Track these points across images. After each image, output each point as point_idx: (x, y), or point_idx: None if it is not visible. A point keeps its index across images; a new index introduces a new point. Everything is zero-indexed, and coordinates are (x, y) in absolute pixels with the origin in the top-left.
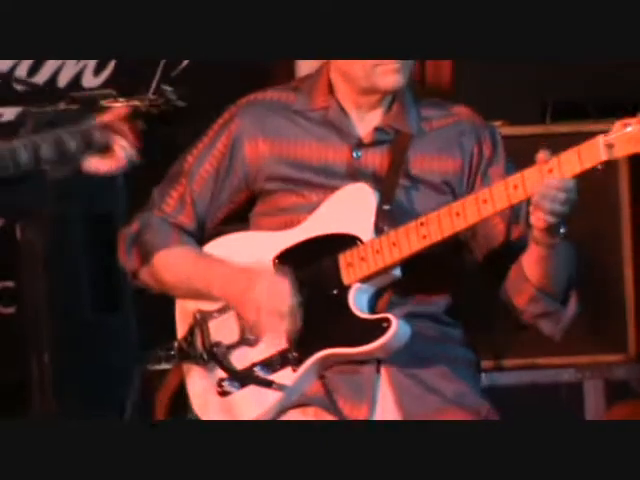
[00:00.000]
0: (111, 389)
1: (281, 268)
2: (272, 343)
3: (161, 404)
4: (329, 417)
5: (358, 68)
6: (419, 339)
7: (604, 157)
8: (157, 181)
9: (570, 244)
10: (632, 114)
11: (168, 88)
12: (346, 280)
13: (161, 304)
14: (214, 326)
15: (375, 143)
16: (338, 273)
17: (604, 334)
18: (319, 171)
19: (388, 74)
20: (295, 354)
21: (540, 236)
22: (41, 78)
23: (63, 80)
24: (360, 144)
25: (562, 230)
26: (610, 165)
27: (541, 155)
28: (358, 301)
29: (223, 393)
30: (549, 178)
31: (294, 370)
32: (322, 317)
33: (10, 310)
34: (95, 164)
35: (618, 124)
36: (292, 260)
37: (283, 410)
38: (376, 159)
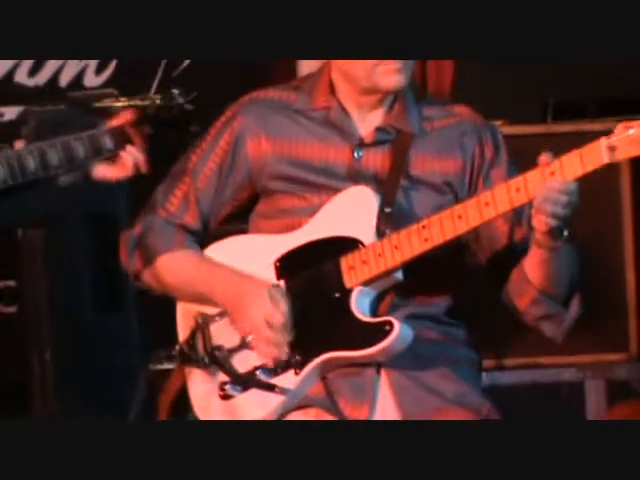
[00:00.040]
0: (112, 389)
1: (278, 275)
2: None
3: (163, 407)
4: (330, 418)
5: (359, 68)
6: (420, 340)
7: (606, 160)
8: (158, 180)
9: (572, 246)
10: (633, 113)
11: (176, 91)
12: (348, 283)
13: (162, 305)
14: (216, 329)
15: (376, 143)
16: (340, 276)
17: (605, 334)
18: (320, 171)
19: (389, 74)
20: (298, 357)
21: (542, 239)
22: (43, 77)
23: (65, 79)
24: (361, 144)
25: (565, 233)
26: (612, 167)
27: (543, 158)
28: (360, 304)
29: (225, 397)
30: (551, 181)
31: (296, 373)
32: (324, 320)
33: (11, 309)
34: (103, 171)
35: (620, 127)
36: (294, 263)
37: (285, 412)
38: (377, 160)
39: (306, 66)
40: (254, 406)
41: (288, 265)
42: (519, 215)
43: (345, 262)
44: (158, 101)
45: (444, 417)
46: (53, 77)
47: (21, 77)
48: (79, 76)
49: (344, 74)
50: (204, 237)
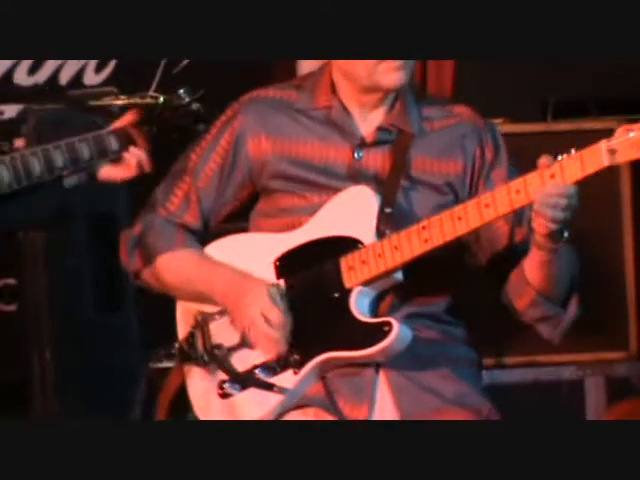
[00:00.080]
0: (113, 389)
1: (278, 274)
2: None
3: (162, 406)
4: (329, 418)
5: (360, 67)
6: (419, 340)
7: (606, 162)
8: (158, 180)
9: (572, 247)
10: (632, 113)
11: (181, 90)
12: (347, 283)
13: (162, 303)
14: (215, 328)
15: (377, 143)
16: (339, 276)
17: (605, 331)
18: (320, 171)
19: (390, 72)
20: (296, 357)
21: (542, 241)
22: (42, 76)
23: (64, 78)
24: (362, 144)
25: (565, 235)
26: (612, 169)
27: (543, 160)
28: (359, 304)
29: (224, 395)
30: (551, 183)
31: (295, 373)
32: (323, 320)
33: (11, 308)
34: (108, 172)
35: (621, 129)
36: (293, 262)
37: (284, 411)
38: (377, 160)
39: (306, 66)
40: (253, 405)
41: (288, 264)
42: (520, 216)
43: (345, 262)
44: (161, 100)
45: (443, 417)
46: (53, 75)
47: (21, 75)
48: (79, 74)
49: (345, 73)
50: (204, 236)
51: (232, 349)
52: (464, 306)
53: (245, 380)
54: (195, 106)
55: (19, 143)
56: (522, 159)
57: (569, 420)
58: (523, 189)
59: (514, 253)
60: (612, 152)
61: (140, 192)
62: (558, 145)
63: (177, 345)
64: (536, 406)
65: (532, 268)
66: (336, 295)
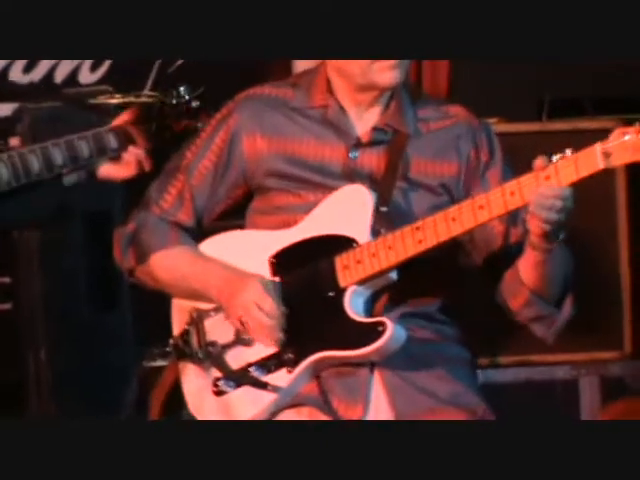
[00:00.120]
0: (108, 387)
1: (273, 272)
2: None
3: (156, 403)
4: (324, 417)
5: (355, 65)
6: (414, 340)
7: (601, 165)
8: (152, 177)
9: (566, 247)
10: (628, 112)
11: (181, 88)
12: (342, 282)
13: (157, 301)
14: (210, 325)
15: (373, 143)
16: (334, 275)
17: (600, 331)
18: (315, 169)
19: (385, 70)
20: (291, 355)
21: (537, 241)
22: (37, 74)
23: (59, 76)
24: (358, 144)
25: (560, 236)
26: (608, 171)
27: (538, 162)
28: (354, 304)
29: (218, 392)
30: (546, 186)
31: (289, 372)
32: (318, 319)
33: (6, 306)
34: (108, 171)
35: (616, 132)
36: (289, 260)
37: (278, 410)
38: (372, 160)
39: (302, 66)
40: (247, 403)
41: (283, 262)
42: (515, 216)
43: (339, 261)
44: (158, 98)
45: (438, 417)
46: (48, 74)
47: (16, 74)
48: (74, 73)
49: (340, 71)
50: (198, 234)
51: (227, 346)
52: (458, 306)
53: (239, 378)
54: (195, 103)
55: (14, 142)
56: (517, 159)
57: (563, 420)
58: (518, 191)
59: (509, 253)
60: (607, 155)
61: (137, 191)
62: (553, 145)
63: (172, 342)
64: (530, 406)
65: (526, 268)
66: (331, 294)
